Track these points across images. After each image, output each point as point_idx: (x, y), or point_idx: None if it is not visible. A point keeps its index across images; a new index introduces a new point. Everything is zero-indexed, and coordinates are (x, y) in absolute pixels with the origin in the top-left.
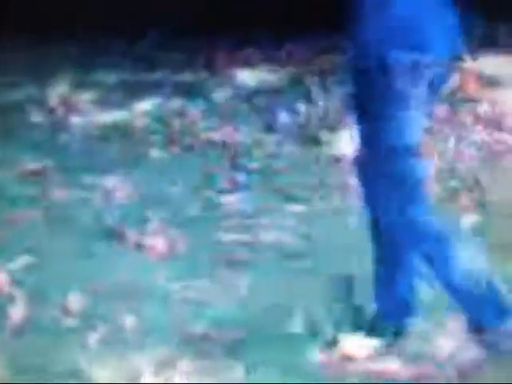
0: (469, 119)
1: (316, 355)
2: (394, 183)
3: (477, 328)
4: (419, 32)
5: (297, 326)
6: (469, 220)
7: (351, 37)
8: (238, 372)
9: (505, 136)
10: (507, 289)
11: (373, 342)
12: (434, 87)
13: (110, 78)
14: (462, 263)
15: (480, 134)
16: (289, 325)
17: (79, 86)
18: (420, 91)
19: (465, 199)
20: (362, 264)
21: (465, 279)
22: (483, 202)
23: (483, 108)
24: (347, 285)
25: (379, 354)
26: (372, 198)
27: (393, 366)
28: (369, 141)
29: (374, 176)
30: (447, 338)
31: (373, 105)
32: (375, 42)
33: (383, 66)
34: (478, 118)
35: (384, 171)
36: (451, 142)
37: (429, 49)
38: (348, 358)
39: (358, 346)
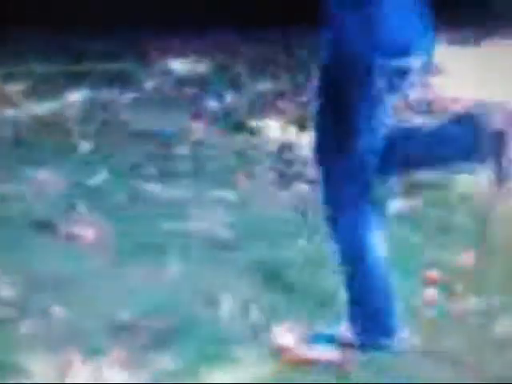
0: (399, 104)
1: (245, 343)
2: (357, 183)
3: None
4: (399, 32)
5: (226, 314)
6: (399, 204)
7: (324, 33)
8: (168, 360)
9: (434, 121)
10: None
11: (301, 330)
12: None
13: (41, 68)
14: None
15: (411, 120)
16: (218, 313)
17: (10, 77)
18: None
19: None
20: (291, 251)
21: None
22: (414, 185)
23: (415, 93)
24: None
25: (306, 341)
26: (334, 198)
27: (322, 353)
28: (338, 140)
29: (339, 176)
30: None
31: (346, 105)
32: (355, 41)
33: (366, 67)
34: (408, 104)
35: (352, 172)
36: None
37: (410, 49)
38: (278, 347)
39: (287, 334)
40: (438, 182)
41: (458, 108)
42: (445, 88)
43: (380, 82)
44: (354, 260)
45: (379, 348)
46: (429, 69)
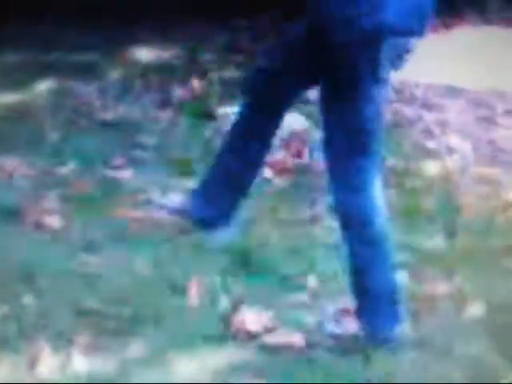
0: None
1: (213, 329)
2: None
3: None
4: (406, 11)
5: (192, 300)
6: None
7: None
8: (135, 347)
9: (402, 107)
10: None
11: (268, 315)
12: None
13: (8, 58)
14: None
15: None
16: (185, 299)
17: None
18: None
19: None
20: (259, 236)
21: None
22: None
23: None
24: None
25: (274, 327)
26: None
27: (288, 337)
28: (340, 120)
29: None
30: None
31: (348, 83)
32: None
33: (368, 40)
34: None
35: (357, 150)
36: None
37: (415, 29)
38: (245, 332)
39: (253, 319)
40: (407, 167)
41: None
42: (409, 73)
43: (386, 61)
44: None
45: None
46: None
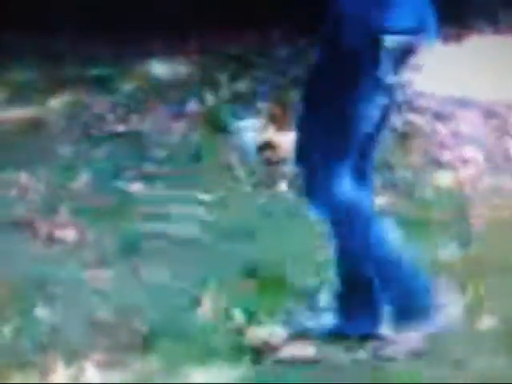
0: None
1: (228, 343)
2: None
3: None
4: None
5: (206, 314)
6: (379, 201)
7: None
8: (149, 361)
9: (415, 118)
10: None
11: (281, 330)
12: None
13: (22, 74)
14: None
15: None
16: (198, 313)
17: None
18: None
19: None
20: (267, 251)
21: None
22: (394, 182)
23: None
24: None
25: (288, 341)
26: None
27: (302, 351)
28: (335, 127)
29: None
30: None
31: (349, 88)
32: (364, 19)
33: (375, 48)
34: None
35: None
36: None
37: (417, 28)
38: (260, 345)
39: (267, 333)
40: (420, 178)
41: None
42: (422, 84)
43: (385, 62)
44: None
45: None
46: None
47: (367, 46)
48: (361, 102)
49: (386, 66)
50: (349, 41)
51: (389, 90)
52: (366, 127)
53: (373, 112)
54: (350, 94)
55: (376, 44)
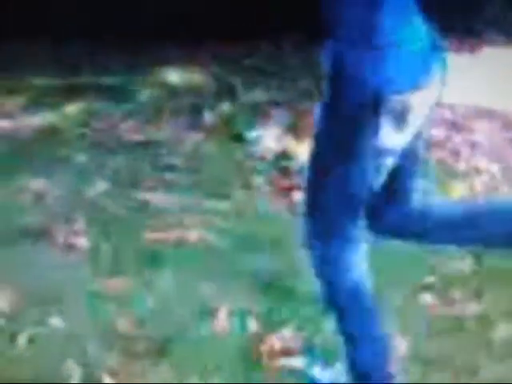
0: None
1: (241, 353)
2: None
3: None
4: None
5: (222, 323)
6: None
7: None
8: (165, 371)
9: (431, 129)
10: None
11: (296, 339)
12: None
13: (38, 82)
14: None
15: None
16: (214, 322)
17: (7, 90)
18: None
19: None
20: (287, 259)
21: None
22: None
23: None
24: None
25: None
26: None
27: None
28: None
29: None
30: None
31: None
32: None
33: (375, 103)
34: None
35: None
36: None
37: (420, 82)
38: (273, 356)
39: (282, 343)
40: (435, 188)
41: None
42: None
43: (388, 119)
44: (350, 297)
45: None
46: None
47: (366, 110)
48: (362, 166)
49: (387, 129)
50: (347, 104)
51: (392, 152)
52: (370, 188)
53: (375, 174)
54: (351, 158)
55: (376, 107)
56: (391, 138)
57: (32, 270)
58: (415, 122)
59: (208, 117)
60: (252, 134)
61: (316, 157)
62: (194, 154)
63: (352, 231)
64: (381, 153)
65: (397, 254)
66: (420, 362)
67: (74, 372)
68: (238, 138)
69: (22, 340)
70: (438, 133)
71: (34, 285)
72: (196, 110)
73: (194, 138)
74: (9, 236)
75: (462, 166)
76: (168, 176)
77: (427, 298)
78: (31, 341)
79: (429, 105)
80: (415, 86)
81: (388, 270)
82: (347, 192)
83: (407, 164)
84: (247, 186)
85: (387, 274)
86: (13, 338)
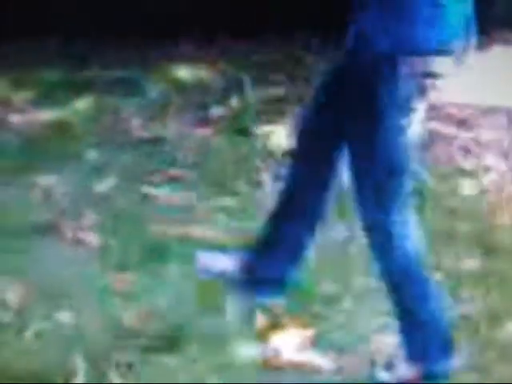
0: None
1: (251, 348)
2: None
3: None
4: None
5: (229, 319)
6: None
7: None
8: (172, 365)
9: (439, 126)
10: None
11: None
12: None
13: (48, 76)
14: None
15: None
16: (221, 318)
17: (17, 84)
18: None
19: None
20: None
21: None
22: (421, 191)
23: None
24: None
25: (305, 347)
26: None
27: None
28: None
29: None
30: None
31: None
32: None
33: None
34: None
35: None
36: None
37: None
38: (281, 352)
39: (291, 339)
40: (443, 186)
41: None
42: (446, 92)
43: (406, 85)
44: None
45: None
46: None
47: (386, 66)
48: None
49: (405, 88)
50: (366, 61)
51: (408, 111)
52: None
53: (398, 134)
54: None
55: (394, 65)
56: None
57: (41, 264)
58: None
59: (216, 112)
60: (260, 130)
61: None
62: (201, 150)
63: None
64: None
65: None
66: None
67: (81, 367)
68: (246, 134)
69: (29, 334)
70: (446, 130)
71: (42, 279)
72: (204, 106)
73: (201, 133)
74: (18, 231)
75: (470, 163)
76: (175, 171)
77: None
78: (38, 335)
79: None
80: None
81: None
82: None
83: None
84: (254, 182)
85: None
86: (20, 332)
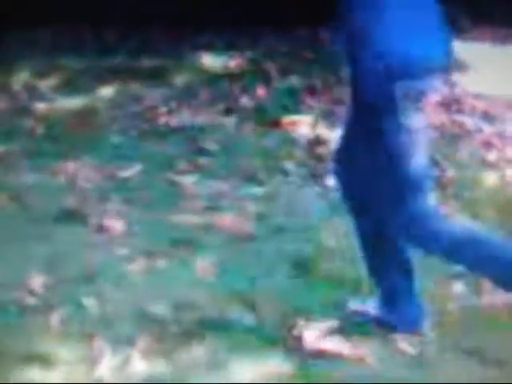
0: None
1: (274, 336)
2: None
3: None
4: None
5: (254, 308)
6: None
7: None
8: (196, 351)
9: (463, 118)
10: None
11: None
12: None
13: (73, 64)
14: None
15: (438, 116)
16: (247, 305)
17: (42, 72)
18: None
19: None
20: (319, 245)
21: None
22: (443, 183)
23: (443, 91)
24: None
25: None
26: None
27: (336, 345)
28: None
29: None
30: None
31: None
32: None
33: (390, 101)
34: (437, 101)
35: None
36: None
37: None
38: (304, 339)
39: (314, 327)
40: (466, 178)
41: (481, 105)
42: (471, 85)
43: (402, 105)
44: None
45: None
46: (450, 68)
47: (384, 97)
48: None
49: (405, 110)
50: (367, 95)
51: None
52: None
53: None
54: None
55: (392, 93)
56: (410, 117)
57: (66, 250)
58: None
59: (243, 102)
60: (286, 120)
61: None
62: (228, 139)
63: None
64: (409, 131)
65: None
66: (451, 352)
67: (106, 352)
68: (273, 124)
69: (55, 319)
70: (469, 123)
71: (68, 265)
72: (232, 96)
73: (229, 122)
74: (44, 217)
75: (493, 156)
76: (202, 160)
77: (458, 286)
78: (64, 320)
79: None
80: (428, 70)
81: (418, 259)
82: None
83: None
84: (281, 171)
85: (418, 262)
86: (46, 317)
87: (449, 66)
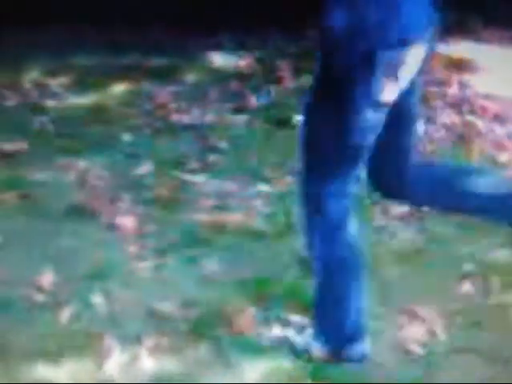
0: (438, 102)
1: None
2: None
3: None
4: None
5: (261, 307)
6: None
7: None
8: (204, 349)
9: (474, 119)
10: None
11: None
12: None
13: (84, 62)
14: None
15: (449, 117)
16: (254, 303)
17: (53, 70)
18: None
19: None
20: None
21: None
22: None
23: (452, 91)
24: None
25: None
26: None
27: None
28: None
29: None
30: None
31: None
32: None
33: (367, 62)
34: (447, 101)
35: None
36: (421, 125)
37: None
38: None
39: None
40: None
41: (492, 106)
42: (482, 86)
43: (379, 78)
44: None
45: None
46: (432, 39)
47: (360, 64)
48: (360, 117)
49: (379, 82)
50: (342, 59)
51: (384, 106)
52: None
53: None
54: (346, 113)
55: (369, 61)
56: (385, 91)
57: (76, 247)
58: (407, 76)
59: (253, 101)
60: (297, 119)
61: (315, 107)
62: (238, 138)
63: (348, 182)
64: (377, 105)
65: (435, 240)
66: (460, 351)
67: (114, 349)
68: (283, 123)
69: (63, 316)
70: (480, 124)
71: (77, 262)
72: (242, 94)
73: (239, 121)
74: (55, 214)
75: (504, 157)
76: (212, 158)
77: (467, 286)
78: (73, 317)
79: (420, 59)
80: (408, 41)
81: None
82: (347, 141)
83: (403, 122)
84: (290, 170)
85: (424, 262)
86: (54, 314)
87: (430, 37)
